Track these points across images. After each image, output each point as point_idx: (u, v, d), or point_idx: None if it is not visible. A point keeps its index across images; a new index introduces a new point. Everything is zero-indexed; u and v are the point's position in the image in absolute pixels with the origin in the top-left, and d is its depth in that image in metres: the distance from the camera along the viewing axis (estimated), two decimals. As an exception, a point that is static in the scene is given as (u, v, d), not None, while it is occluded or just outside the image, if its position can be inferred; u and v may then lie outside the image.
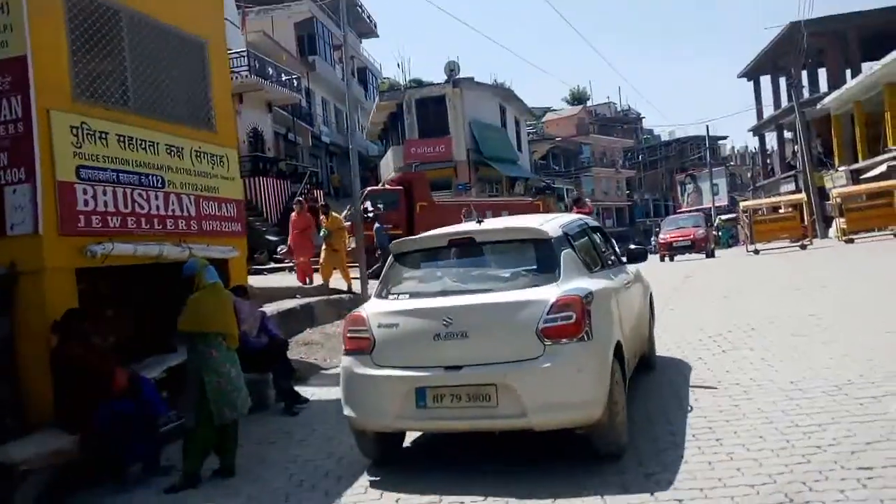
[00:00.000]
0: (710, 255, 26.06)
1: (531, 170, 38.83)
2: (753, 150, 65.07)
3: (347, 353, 5.15)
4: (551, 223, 5.67)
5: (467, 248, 5.43)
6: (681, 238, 26.71)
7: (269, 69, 31.09)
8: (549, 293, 4.80)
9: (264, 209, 28.90)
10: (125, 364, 6.17)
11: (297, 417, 7.34)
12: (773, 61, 40.61)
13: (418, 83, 31.05)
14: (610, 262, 6.48)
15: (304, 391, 8.16)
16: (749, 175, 63.51)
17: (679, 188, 64.33)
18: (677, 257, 26.51)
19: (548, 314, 4.65)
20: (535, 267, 5.18)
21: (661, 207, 76.88)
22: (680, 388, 6.73)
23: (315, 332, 11.46)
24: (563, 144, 59.73)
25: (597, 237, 6.56)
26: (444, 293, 5.11)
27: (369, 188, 18.32)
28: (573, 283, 5.00)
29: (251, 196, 28.18)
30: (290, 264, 14.94)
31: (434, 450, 5.70)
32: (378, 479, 5.15)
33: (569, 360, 4.60)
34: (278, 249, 14.14)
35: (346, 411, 5.13)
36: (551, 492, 4.43)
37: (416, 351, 4.85)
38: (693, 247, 26.29)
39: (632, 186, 76.28)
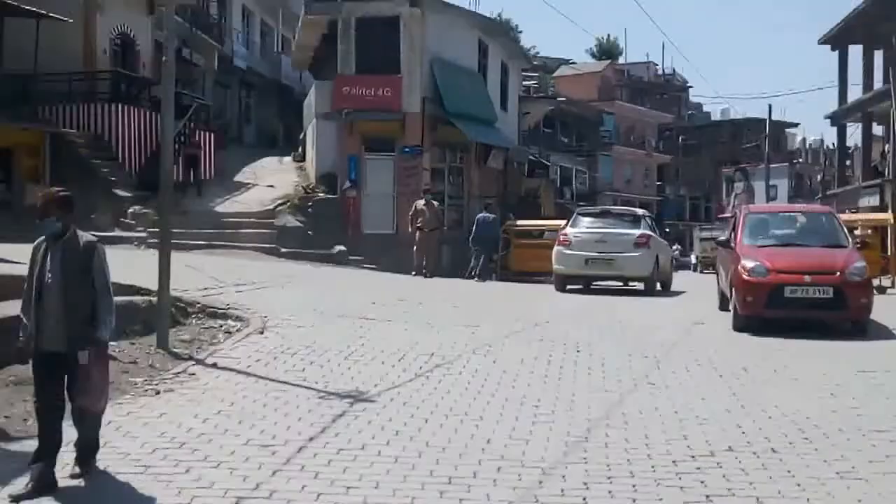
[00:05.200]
0: (865, 328, 12.89)
1: (518, 139, 35.07)
2: (830, 147, 62.27)
3: (559, 245, 20.40)
4: (642, 210, 25.36)
5: (607, 213, 23.68)
6: (812, 276, 12.70)
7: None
8: (637, 231, 21.12)
9: (120, 151, 25.55)
10: None
11: None
12: (869, 26, 37.82)
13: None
14: (659, 231, 24.13)
15: None
16: (819, 178, 60.77)
17: (725, 185, 61.32)
18: (792, 336, 12.13)
19: (636, 238, 20.63)
20: (633, 222, 21.75)
21: (701, 209, 74.10)
22: None
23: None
24: (578, 110, 56.52)
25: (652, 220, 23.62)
26: (599, 229, 21.01)
27: None
28: (646, 229, 21.43)
29: (103, 130, 25.41)
30: None
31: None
32: None
33: (642, 254, 20.55)
34: None
35: (556, 267, 20.59)
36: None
37: (588, 246, 20.29)
38: (840, 306, 12.69)
39: (665, 177, 73.51)
